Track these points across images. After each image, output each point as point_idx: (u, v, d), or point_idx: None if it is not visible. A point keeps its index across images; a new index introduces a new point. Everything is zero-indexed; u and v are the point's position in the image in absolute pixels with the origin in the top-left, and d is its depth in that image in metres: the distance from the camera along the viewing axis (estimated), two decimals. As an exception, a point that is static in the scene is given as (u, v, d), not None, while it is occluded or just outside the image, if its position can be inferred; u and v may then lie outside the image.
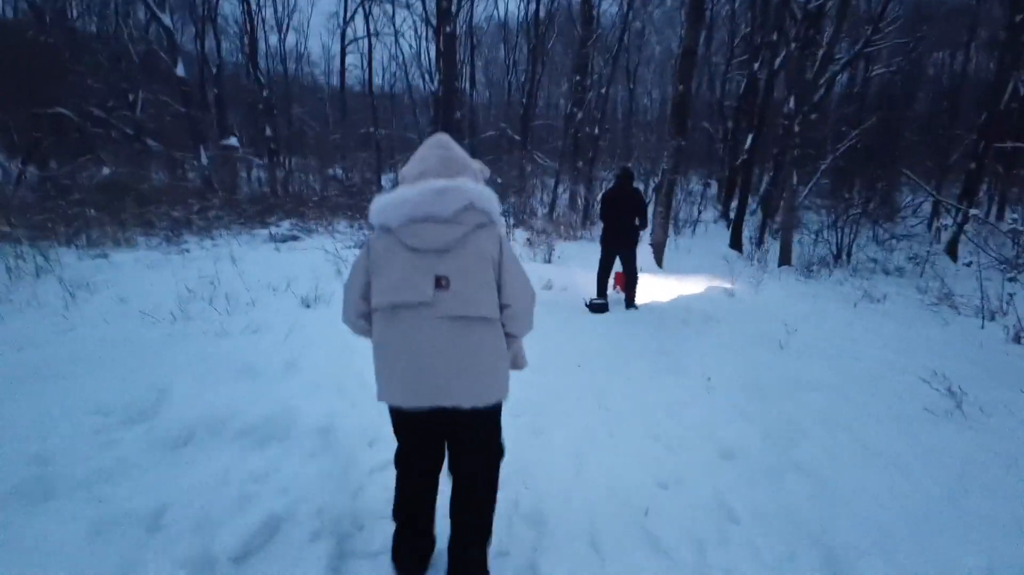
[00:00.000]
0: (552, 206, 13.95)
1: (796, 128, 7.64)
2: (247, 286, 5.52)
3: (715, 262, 8.88)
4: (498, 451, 1.92)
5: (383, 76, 33.18)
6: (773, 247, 10.61)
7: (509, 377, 1.84)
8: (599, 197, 6.31)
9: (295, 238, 8.62)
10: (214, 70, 20.84)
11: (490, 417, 1.83)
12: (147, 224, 8.90)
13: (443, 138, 1.88)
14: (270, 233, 8.92)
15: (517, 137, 21.40)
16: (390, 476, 2.06)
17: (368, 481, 2.47)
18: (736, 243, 11.44)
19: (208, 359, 3.51)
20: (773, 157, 11.71)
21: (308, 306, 5.01)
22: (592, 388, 3.67)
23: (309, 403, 2.98)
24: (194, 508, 2.12)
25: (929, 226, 14.00)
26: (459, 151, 1.86)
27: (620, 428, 3.10)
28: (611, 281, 6.62)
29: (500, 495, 1.96)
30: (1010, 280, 8.45)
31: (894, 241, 10.16)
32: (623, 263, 5.96)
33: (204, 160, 13.96)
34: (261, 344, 3.87)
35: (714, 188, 20.16)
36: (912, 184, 15.42)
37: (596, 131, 14.75)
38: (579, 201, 13.41)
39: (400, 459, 1.92)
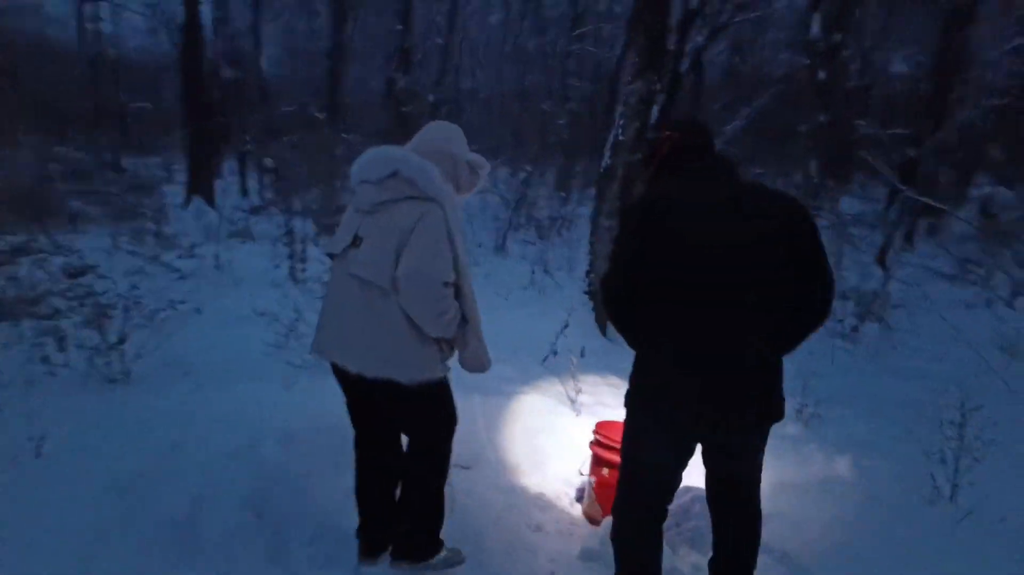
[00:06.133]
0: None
1: (821, 75, 4.42)
2: None
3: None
4: (430, 445, 1.77)
5: (141, 41, 24.87)
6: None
7: (434, 360, 1.68)
8: (625, 210, 1.92)
9: None
10: None
11: (415, 397, 1.64)
12: None
13: (432, 123, 1.88)
14: None
15: (320, 115, 16.37)
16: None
17: None
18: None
19: None
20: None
21: None
22: None
23: None
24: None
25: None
26: (438, 134, 1.79)
27: None
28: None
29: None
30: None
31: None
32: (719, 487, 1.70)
33: None
34: None
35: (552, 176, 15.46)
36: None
37: (431, 99, 10.78)
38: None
39: (356, 441, 1.85)
